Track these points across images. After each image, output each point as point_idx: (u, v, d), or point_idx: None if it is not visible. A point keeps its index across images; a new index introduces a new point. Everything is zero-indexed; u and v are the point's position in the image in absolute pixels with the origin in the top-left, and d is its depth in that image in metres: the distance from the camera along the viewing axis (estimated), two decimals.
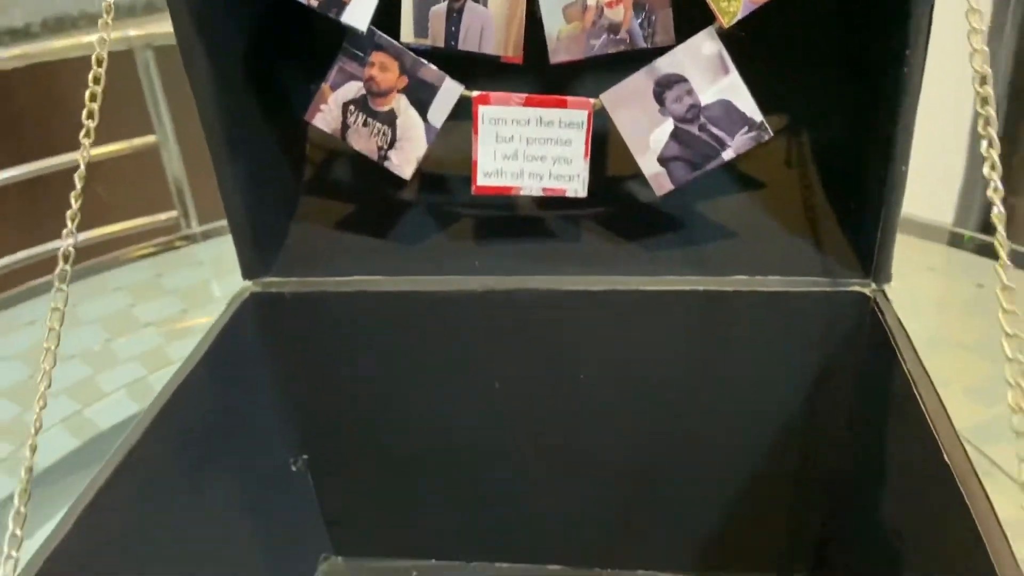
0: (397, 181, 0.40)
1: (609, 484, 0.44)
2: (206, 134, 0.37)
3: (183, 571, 0.36)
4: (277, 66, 0.41)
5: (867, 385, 0.37)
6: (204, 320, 0.75)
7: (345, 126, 0.38)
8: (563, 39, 0.36)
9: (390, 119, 0.37)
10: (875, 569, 0.36)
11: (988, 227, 1.38)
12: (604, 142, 0.41)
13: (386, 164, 0.38)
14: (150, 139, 1.02)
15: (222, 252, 0.90)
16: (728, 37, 0.34)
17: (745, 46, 0.35)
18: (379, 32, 0.36)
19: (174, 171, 1.04)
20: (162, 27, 1.04)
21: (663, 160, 0.37)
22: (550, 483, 0.44)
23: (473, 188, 0.38)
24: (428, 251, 0.42)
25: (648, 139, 0.36)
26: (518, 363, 0.41)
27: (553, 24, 0.36)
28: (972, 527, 0.27)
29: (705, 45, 0.35)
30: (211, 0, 0.35)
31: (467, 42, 0.36)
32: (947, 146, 1.55)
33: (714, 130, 0.36)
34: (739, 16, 0.33)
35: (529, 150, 0.37)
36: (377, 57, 0.36)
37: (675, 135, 0.36)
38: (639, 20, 0.35)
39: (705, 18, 0.34)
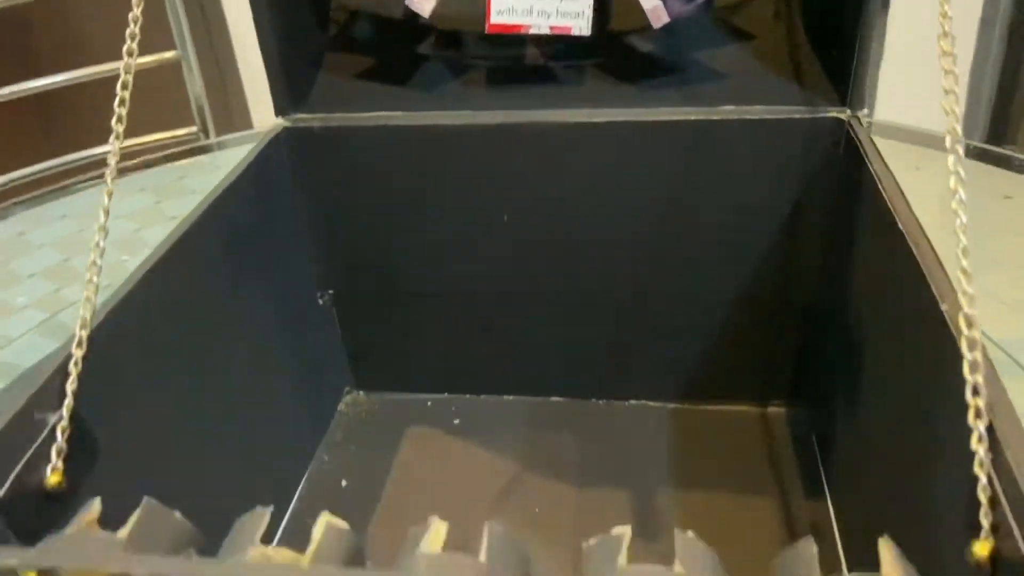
0: (415, 31, 0.44)
1: (606, 315, 0.48)
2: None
3: (221, 375, 0.40)
4: None
5: (843, 207, 0.41)
6: None
7: None
8: None
9: None
10: (848, 398, 0.40)
11: (994, 137, 1.42)
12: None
13: (408, 2, 0.42)
14: (172, 55, 1.06)
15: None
16: None
17: None
18: None
19: (195, 87, 1.08)
20: None
21: None
22: (553, 316, 0.49)
23: (487, 26, 0.42)
24: (444, 91, 0.45)
25: None
26: (525, 194, 0.45)
27: None
28: (952, 344, 0.25)
29: None
30: None
31: None
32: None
33: None
34: None
35: None
36: None
37: None
38: None
39: None
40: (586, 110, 0.43)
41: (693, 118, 0.42)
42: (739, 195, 0.43)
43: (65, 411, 0.28)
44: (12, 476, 0.27)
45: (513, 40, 0.45)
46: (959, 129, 0.26)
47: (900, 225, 0.34)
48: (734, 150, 0.42)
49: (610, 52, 0.46)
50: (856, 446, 0.39)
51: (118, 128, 0.35)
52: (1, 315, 0.70)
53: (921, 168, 0.81)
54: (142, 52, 1.03)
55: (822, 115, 0.41)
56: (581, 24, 0.42)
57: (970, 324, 0.24)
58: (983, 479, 0.22)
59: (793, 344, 0.47)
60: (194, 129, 1.09)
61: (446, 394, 0.53)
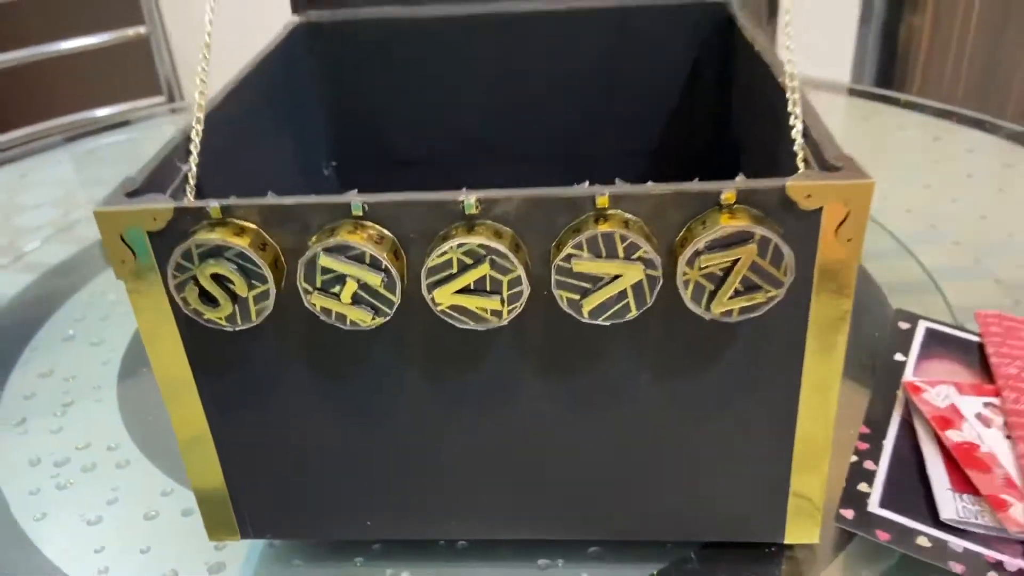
0: None
1: (555, 168, 0.62)
2: None
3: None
4: None
5: (728, 70, 0.56)
6: None
7: None
8: None
9: None
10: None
11: (882, 80, 1.66)
12: None
13: None
14: (140, 29, 1.16)
15: None
16: None
17: None
18: None
19: (163, 62, 1.19)
20: None
21: None
22: (519, 169, 0.62)
23: None
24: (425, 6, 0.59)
25: None
26: (491, 73, 0.59)
27: None
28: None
29: None
30: None
31: None
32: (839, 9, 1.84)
33: None
34: None
35: None
36: None
37: None
38: None
39: None
40: (534, 2, 0.57)
41: (614, 6, 0.56)
42: (650, 64, 0.58)
43: (192, 162, 0.40)
44: (168, 193, 0.39)
45: None
46: None
47: (768, 65, 0.48)
48: (650, 29, 0.57)
49: None
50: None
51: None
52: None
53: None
54: (112, 26, 1.15)
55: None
56: None
57: (792, 79, 0.39)
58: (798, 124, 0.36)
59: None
60: (160, 99, 1.20)
61: None
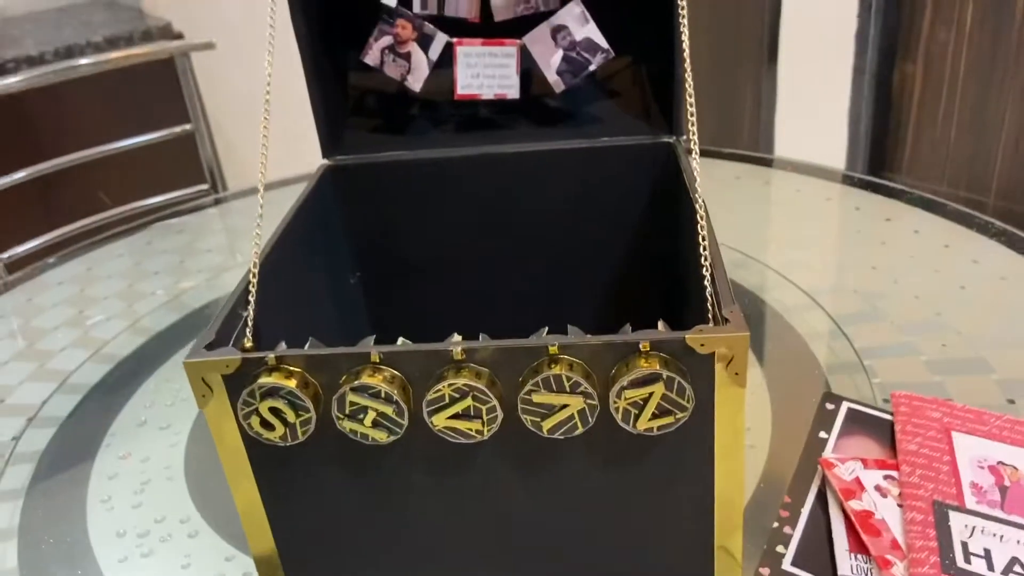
0: (410, 97, 0.70)
1: (541, 271, 0.74)
2: (304, 69, 0.67)
3: (300, 315, 0.64)
4: (340, 28, 0.71)
5: (675, 194, 0.68)
6: None
7: (382, 62, 0.68)
8: (499, 7, 0.66)
9: (407, 56, 0.68)
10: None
11: (874, 167, 1.82)
12: (528, 69, 0.71)
13: (405, 83, 0.68)
14: (187, 127, 1.31)
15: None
16: (584, 1, 0.65)
17: (594, 4, 0.65)
18: (400, 7, 0.66)
19: (206, 152, 1.33)
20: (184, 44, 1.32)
21: (558, 72, 0.67)
22: (508, 276, 0.74)
23: (455, 95, 0.68)
24: (430, 136, 0.72)
25: (549, 61, 0.67)
26: (486, 198, 0.71)
27: None
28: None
29: (575, 8, 0.65)
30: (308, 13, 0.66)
31: (449, 10, 0.66)
32: (832, 99, 1.97)
33: (584, 54, 0.67)
34: None
35: (485, 71, 0.68)
36: (400, 22, 0.67)
37: (564, 58, 0.67)
38: None
39: None
40: (518, 145, 0.70)
41: (583, 146, 0.69)
42: (608, 191, 0.70)
43: (251, 309, 0.53)
44: (231, 342, 0.51)
45: (471, 102, 0.71)
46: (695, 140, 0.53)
47: (698, 208, 0.60)
48: (608, 165, 0.69)
49: (531, 107, 0.72)
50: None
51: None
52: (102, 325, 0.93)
53: (741, 178, 1.10)
54: (160, 125, 1.31)
55: (659, 140, 0.68)
56: (512, 92, 0.69)
57: (705, 228, 0.50)
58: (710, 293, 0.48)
59: (660, 288, 0.74)
60: (205, 187, 1.34)
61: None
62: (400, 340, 0.50)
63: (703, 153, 1.11)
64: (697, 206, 0.51)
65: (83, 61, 1.24)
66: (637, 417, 0.45)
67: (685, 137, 0.68)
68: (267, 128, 0.56)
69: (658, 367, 0.44)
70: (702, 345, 0.44)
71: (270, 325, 0.55)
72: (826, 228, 0.99)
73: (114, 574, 0.61)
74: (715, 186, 1.09)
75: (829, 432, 0.63)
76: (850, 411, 0.65)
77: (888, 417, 0.64)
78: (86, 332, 0.92)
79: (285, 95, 0.69)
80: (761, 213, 1.04)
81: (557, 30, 0.66)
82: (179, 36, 2.04)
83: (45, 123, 1.87)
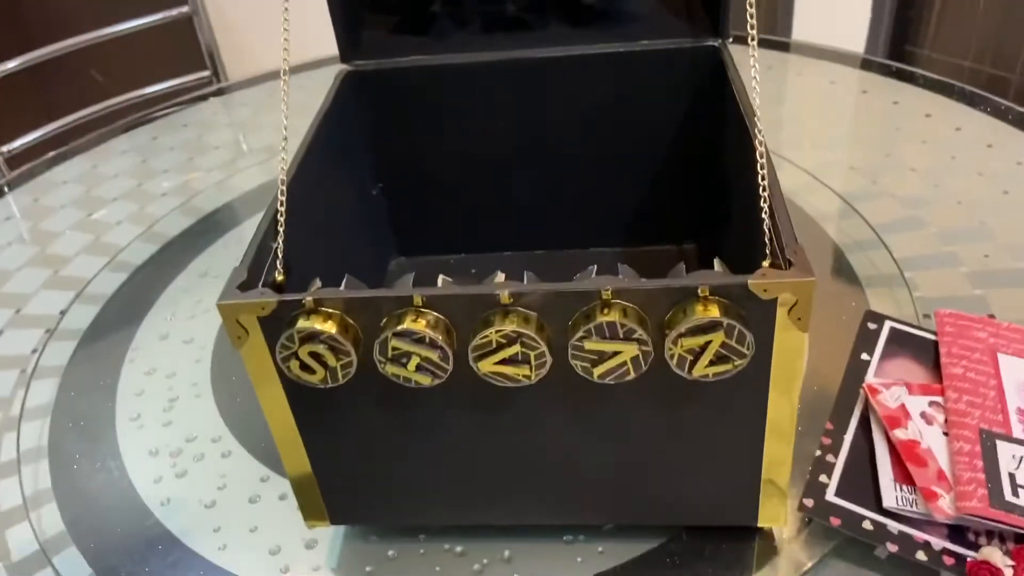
0: None
1: (569, 182, 0.71)
2: None
3: (331, 232, 0.62)
4: None
5: (718, 104, 0.64)
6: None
7: None
8: None
9: None
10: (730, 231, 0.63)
11: (896, 41, 1.75)
12: None
13: None
14: (184, 9, 1.24)
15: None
16: None
17: None
18: None
19: (205, 36, 1.26)
20: None
21: None
22: (535, 187, 0.71)
23: None
24: (454, 39, 0.67)
25: None
26: (511, 108, 0.67)
27: None
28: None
29: None
30: None
31: None
32: None
33: None
34: None
35: None
36: None
37: None
38: None
39: None
40: (548, 49, 0.65)
41: (619, 51, 0.64)
42: (651, 98, 0.66)
43: (280, 240, 0.50)
44: (262, 279, 0.49)
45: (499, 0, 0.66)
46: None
47: (744, 114, 0.57)
48: (648, 70, 0.64)
49: (563, 5, 0.67)
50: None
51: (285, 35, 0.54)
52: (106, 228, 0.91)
53: (773, 68, 1.04)
54: (156, 6, 1.23)
55: (703, 43, 0.63)
56: None
57: (762, 147, 0.47)
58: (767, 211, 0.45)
59: (698, 199, 0.71)
60: (206, 73, 1.28)
61: (463, 254, 0.76)
62: (440, 279, 0.47)
63: None
64: (756, 132, 0.47)
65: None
66: (693, 364, 0.43)
67: (730, 39, 0.64)
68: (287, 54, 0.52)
69: (718, 314, 0.41)
70: (765, 291, 0.42)
71: (297, 247, 0.53)
72: (862, 125, 0.95)
73: (151, 494, 0.61)
74: None
75: (872, 354, 0.62)
76: (893, 331, 0.64)
77: (932, 337, 0.63)
78: (98, 237, 0.89)
79: None
80: (791, 108, 0.99)
81: None
82: None
83: (33, 6, 1.77)
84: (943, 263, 0.73)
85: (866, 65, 1.06)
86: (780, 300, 0.42)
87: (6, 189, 1.00)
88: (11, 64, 1.16)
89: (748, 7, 0.50)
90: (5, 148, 1.17)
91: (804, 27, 2.10)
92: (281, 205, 0.51)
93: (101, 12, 1.23)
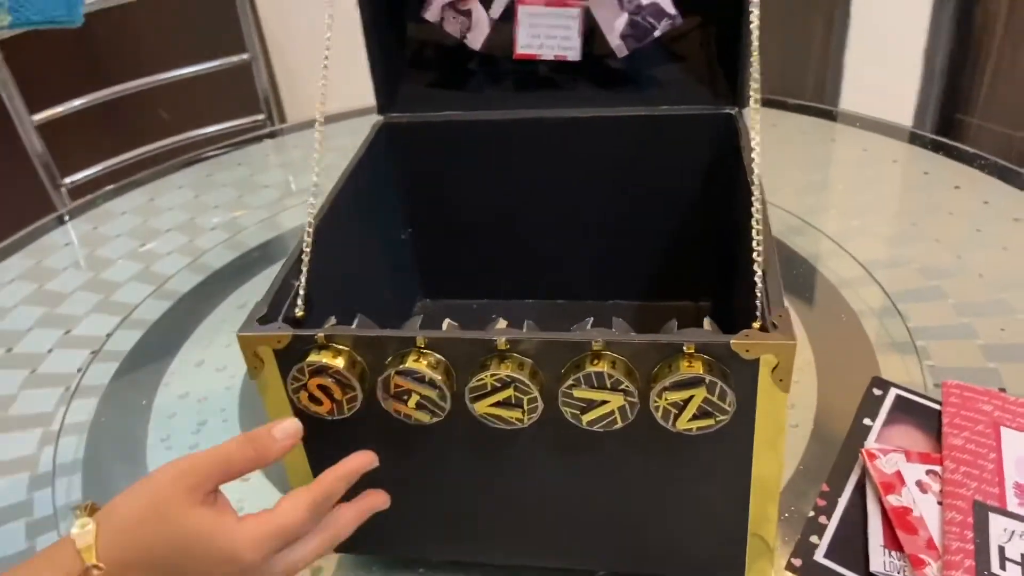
0: (468, 54, 0.68)
1: (591, 237, 0.73)
2: (363, 29, 0.66)
3: (359, 279, 0.65)
4: None
5: (733, 169, 0.66)
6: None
7: (442, 18, 0.67)
8: None
9: (468, 14, 0.66)
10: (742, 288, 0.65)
11: (947, 108, 1.77)
12: (590, 30, 0.69)
13: (464, 40, 0.67)
14: (244, 56, 1.31)
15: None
16: None
17: None
18: None
19: (262, 82, 1.33)
20: None
21: (622, 36, 0.65)
22: (558, 239, 0.74)
23: (514, 54, 0.67)
24: (487, 96, 0.71)
25: (613, 24, 0.65)
26: (539, 162, 0.70)
27: None
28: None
29: None
30: None
31: None
32: (906, 49, 1.89)
33: (650, 19, 0.64)
34: None
35: (547, 32, 0.66)
36: None
37: (629, 23, 0.65)
38: None
39: None
40: (575, 109, 0.68)
41: (641, 114, 0.67)
42: (670, 160, 0.68)
43: (302, 279, 0.54)
44: (282, 313, 0.52)
45: (531, 62, 0.70)
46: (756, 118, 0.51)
47: (752, 180, 0.59)
48: (668, 133, 0.67)
49: (591, 69, 0.70)
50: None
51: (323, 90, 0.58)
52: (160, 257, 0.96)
53: (807, 134, 1.06)
54: (221, 47, 1.31)
55: (721, 111, 0.66)
56: (573, 54, 0.67)
57: (760, 221, 0.49)
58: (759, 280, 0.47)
59: (713, 258, 0.73)
60: (261, 117, 1.34)
61: (485, 300, 0.79)
62: (446, 323, 0.50)
63: (764, 103, 1.07)
64: (754, 199, 0.49)
65: None
66: (677, 417, 0.45)
67: (747, 108, 0.66)
68: (323, 105, 0.56)
69: (701, 371, 0.43)
70: (747, 351, 0.44)
71: (322, 285, 0.56)
72: (890, 193, 0.96)
73: None
74: (776, 141, 1.06)
75: (874, 419, 0.63)
76: (898, 398, 0.65)
77: (937, 407, 0.64)
78: (148, 266, 0.95)
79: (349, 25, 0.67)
80: (823, 174, 1.01)
81: None
82: None
83: (103, 44, 1.87)
84: (958, 334, 0.73)
85: (900, 134, 1.07)
86: (762, 361, 0.44)
87: (67, 218, 1.07)
88: (79, 101, 1.24)
89: (751, 76, 0.53)
90: (68, 180, 1.24)
91: (854, 94, 2.11)
92: (306, 246, 0.55)
93: (169, 54, 1.31)
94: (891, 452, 0.59)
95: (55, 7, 0.64)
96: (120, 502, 0.43)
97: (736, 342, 0.44)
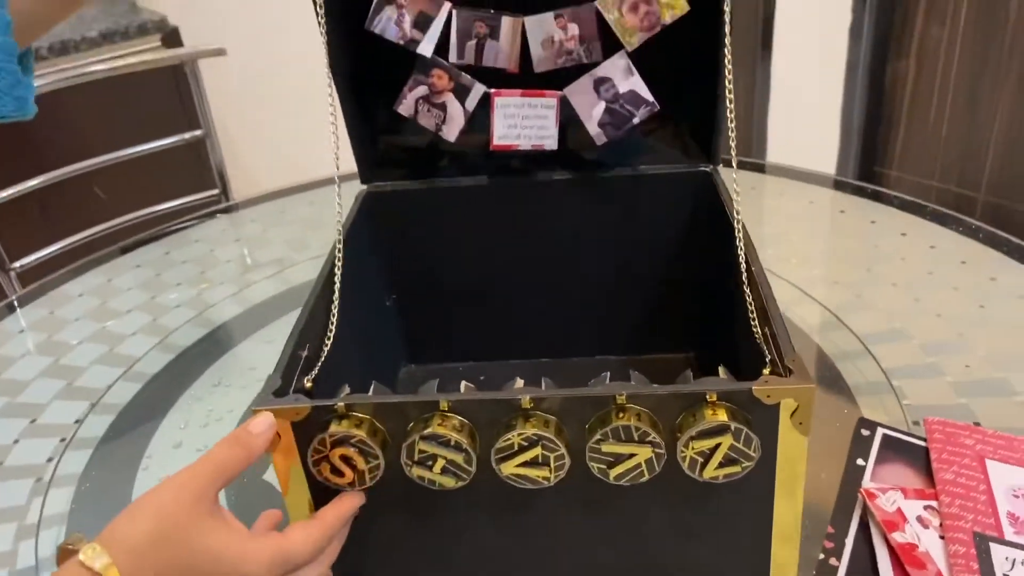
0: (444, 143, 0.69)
1: (575, 295, 0.75)
2: (343, 110, 0.67)
3: (340, 349, 0.65)
4: (381, 73, 0.69)
5: (711, 223, 0.69)
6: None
7: (416, 111, 0.67)
8: (540, 59, 0.65)
9: (442, 107, 0.66)
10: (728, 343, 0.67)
11: (865, 161, 1.86)
12: (567, 118, 0.68)
13: (440, 133, 0.67)
14: (198, 133, 1.30)
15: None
16: (630, 54, 0.64)
17: (638, 57, 0.65)
18: (436, 56, 0.65)
19: (216, 158, 1.32)
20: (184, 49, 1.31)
21: (600, 124, 0.66)
22: (541, 299, 0.75)
23: (491, 145, 0.68)
24: (467, 163, 0.72)
25: (591, 113, 0.66)
26: (523, 224, 0.72)
27: (536, 50, 0.65)
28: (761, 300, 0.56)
29: (620, 60, 0.64)
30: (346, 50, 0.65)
31: (487, 61, 0.65)
32: (824, 109, 2.00)
33: (628, 107, 0.65)
34: (636, 45, 0.62)
35: (523, 122, 0.67)
36: (436, 72, 0.66)
37: (606, 111, 0.66)
38: (583, 47, 0.64)
39: (619, 43, 0.64)
40: (557, 172, 0.70)
41: (624, 175, 0.69)
42: (650, 219, 0.71)
43: (309, 351, 0.53)
44: (294, 383, 0.52)
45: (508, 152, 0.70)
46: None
47: (736, 232, 0.61)
48: (648, 192, 0.70)
49: (567, 152, 0.70)
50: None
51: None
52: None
53: (756, 189, 1.11)
54: (161, 128, 1.29)
55: (698, 169, 0.69)
56: (551, 143, 0.68)
57: (758, 273, 0.51)
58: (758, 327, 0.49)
59: (696, 310, 0.75)
60: (215, 192, 1.33)
61: (471, 362, 0.79)
62: (463, 385, 0.51)
63: None
64: (744, 253, 0.51)
65: (96, 67, 1.22)
66: (703, 466, 0.46)
67: (720, 166, 0.69)
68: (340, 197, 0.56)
69: (726, 418, 0.45)
70: (768, 396, 0.45)
71: (320, 355, 0.56)
72: (842, 242, 1.00)
73: None
74: None
75: (866, 459, 0.65)
76: (885, 437, 0.67)
77: (922, 443, 0.66)
78: (112, 348, 0.92)
79: (298, 99, 0.68)
80: (776, 226, 1.05)
81: (600, 82, 0.65)
82: (175, 31, 2.01)
83: (43, 125, 1.84)
84: (928, 373, 0.76)
85: (841, 186, 1.12)
86: (783, 405, 0.45)
87: (16, 304, 1.03)
88: (26, 185, 1.21)
89: (731, 139, 0.56)
90: (18, 264, 1.20)
91: (778, 150, 2.21)
92: (310, 317, 0.55)
93: (110, 128, 1.28)
94: (889, 490, 0.61)
95: (3, 104, 0.64)
96: (123, 526, 0.43)
97: (758, 388, 0.45)
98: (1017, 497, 0.60)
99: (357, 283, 0.70)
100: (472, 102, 0.67)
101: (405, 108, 0.68)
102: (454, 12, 0.64)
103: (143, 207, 1.28)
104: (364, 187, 0.72)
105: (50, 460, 0.76)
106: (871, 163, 2.20)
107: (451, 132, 0.68)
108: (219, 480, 0.45)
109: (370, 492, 0.49)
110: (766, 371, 0.49)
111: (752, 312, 0.53)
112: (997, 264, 0.91)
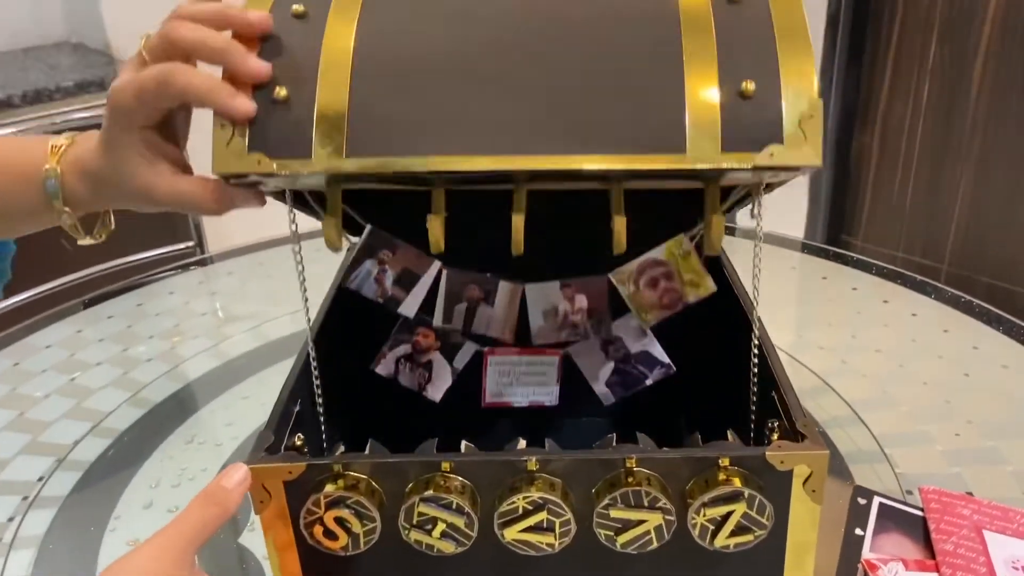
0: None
1: None
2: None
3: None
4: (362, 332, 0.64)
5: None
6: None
7: (397, 371, 0.61)
8: (539, 332, 0.59)
9: (428, 366, 0.61)
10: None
11: (832, 231, 1.89)
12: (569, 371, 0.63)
13: (424, 393, 0.61)
14: None
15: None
16: None
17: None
18: (422, 315, 0.58)
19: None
20: None
21: (608, 384, 0.61)
22: None
23: (483, 403, 0.63)
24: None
25: (598, 373, 0.61)
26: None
27: (536, 320, 0.58)
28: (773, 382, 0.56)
29: (632, 321, 0.59)
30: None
31: (478, 328, 0.59)
32: (792, 184, 2.03)
33: (640, 367, 0.61)
34: (653, 323, 0.57)
35: (520, 380, 0.62)
36: (422, 330, 0.61)
37: (615, 371, 0.61)
38: (591, 321, 0.59)
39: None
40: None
41: None
42: None
43: (300, 405, 0.51)
44: (285, 439, 0.49)
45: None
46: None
47: (737, 296, 0.61)
48: None
49: (568, 409, 0.64)
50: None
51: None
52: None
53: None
54: None
55: None
56: (550, 400, 0.63)
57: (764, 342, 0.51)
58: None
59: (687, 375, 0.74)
60: (191, 244, 1.31)
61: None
62: (464, 445, 0.49)
63: None
64: (754, 320, 0.51)
65: (78, 116, 1.20)
66: (715, 534, 0.44)
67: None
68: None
69: (739, 484, 0.43)
70: (782, 462, 0.44)
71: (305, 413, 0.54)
72: (826, 309, 1.01)
73: None
74: None
75: (864, 529, 0.64)
76: (882, 506, 0.66)
77: (918, 513, 0.65)
78: (80, 401, 0.88)
79: None
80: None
81: (609, 342, 0.60)
82: None
83: None
84: (918, 440, 0.76)
85: (822, 252, 1.13)
86: (796, 472, 0.44)
87: None
88: None
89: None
90: None
91: (746, 216, 2.24)
92: (304, 373, 0.53)
93: None
94: (890, 561, 0.60)
95: None
96: None
97: (771, 454, 0.44)
98: (1016, 569, 0.59)
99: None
100: (463, 360, 0.61)
101: (384, 368, 0.62)
102: (444, 272, 0.58)
103: (116, 258, 1.25)
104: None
105: (11, 519, 0.72)
106: (838, 231, 2.24)
107: (436, 391, 0.61)
108: (196, 541, 0.44)
109: (362, 558, 0.47)
110: (775, 436, 0.48)
111: (754, 375, 0.52)
112: (977, 332, 0.92)
